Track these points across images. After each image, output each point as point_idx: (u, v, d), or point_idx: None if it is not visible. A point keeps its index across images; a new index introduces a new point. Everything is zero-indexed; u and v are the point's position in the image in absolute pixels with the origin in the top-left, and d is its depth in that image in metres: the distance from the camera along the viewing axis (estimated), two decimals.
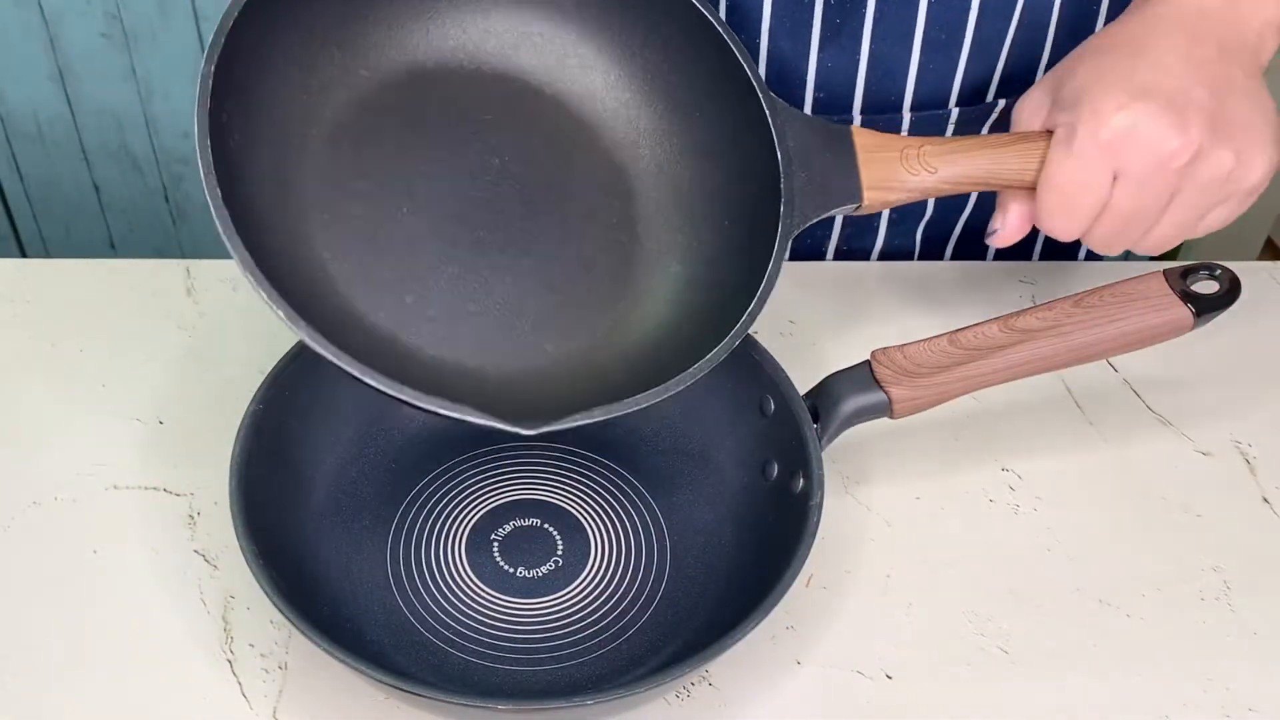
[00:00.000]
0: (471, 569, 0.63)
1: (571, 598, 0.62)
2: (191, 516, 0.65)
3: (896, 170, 0.62)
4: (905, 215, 0.84)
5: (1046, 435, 0.71)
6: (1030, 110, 0.64)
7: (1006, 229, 0.64)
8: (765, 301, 0.58)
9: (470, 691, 0.58)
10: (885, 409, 0.62)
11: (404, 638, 0.60)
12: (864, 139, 0.62)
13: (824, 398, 0.63)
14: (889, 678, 0.60)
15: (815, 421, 0.62)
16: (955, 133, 0.79)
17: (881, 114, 0.78)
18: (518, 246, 0.60)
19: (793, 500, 0.61)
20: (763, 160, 0.60)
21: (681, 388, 0.55)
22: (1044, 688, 0.60)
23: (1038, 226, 0.63)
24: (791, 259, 0.85)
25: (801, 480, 0.61)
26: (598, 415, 0.53)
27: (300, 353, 0.63)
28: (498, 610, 0.62)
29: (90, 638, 0.60)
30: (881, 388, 0.62)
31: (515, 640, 0.61)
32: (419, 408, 0.51)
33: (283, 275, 0.51)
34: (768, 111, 0.60)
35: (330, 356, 0.50)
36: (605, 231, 0.62)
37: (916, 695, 0.59)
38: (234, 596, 0.61)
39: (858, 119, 0.78)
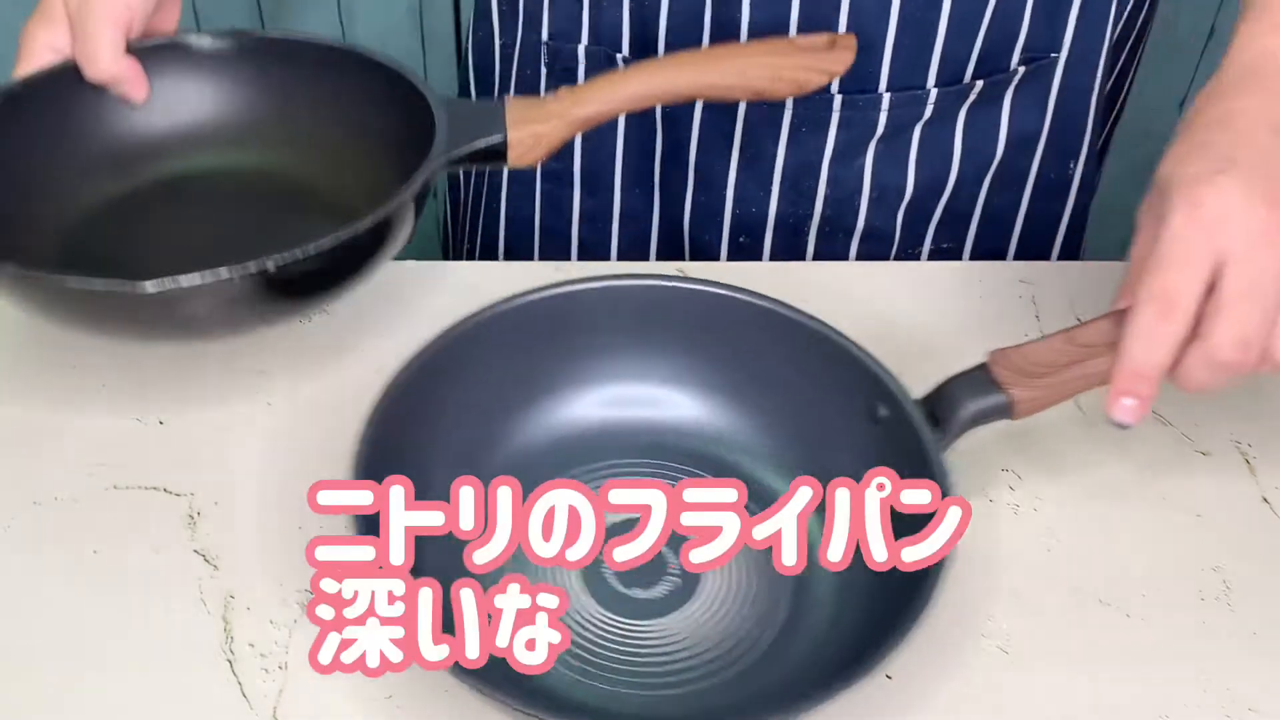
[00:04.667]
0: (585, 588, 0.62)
1: (684, 623, 0.61)
2: (191, 516, 0.65)
3: (540, 105, 0.68)
4: (885, 194, 0.84)
5: (1046, 435, 0.71)
6: (1144, 209, 0.59)
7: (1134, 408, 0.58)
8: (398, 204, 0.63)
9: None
10: (1006, 410, 0.61)
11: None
12: (513, 100, 0.68)
13: (942, 402, 0.61)
14: (889, 678, 0.59)
15: (935, 427, 0.61)
16: (933, 114, 0.80)
17: (860, 93, 0.79)
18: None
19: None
20: (416, 116, 0.68)
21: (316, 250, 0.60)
22: (1044, 688, 0.60)
23: (1136, 363, 0.57)
24: (774, 248, 0.87)
25: None
26: (224, 273, 0.58)
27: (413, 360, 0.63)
28: (611, 632, 0.60)
29: (90, 638, 0.60)
30: (1002, 390, 0.61)
31: (625, 662, 0.59)
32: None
33: None
34: (419, 86, 0.69)
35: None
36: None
37: (916, 695, 0.59)
38: (234, 596, 0.61)
39: (837, 99, 0.79)
